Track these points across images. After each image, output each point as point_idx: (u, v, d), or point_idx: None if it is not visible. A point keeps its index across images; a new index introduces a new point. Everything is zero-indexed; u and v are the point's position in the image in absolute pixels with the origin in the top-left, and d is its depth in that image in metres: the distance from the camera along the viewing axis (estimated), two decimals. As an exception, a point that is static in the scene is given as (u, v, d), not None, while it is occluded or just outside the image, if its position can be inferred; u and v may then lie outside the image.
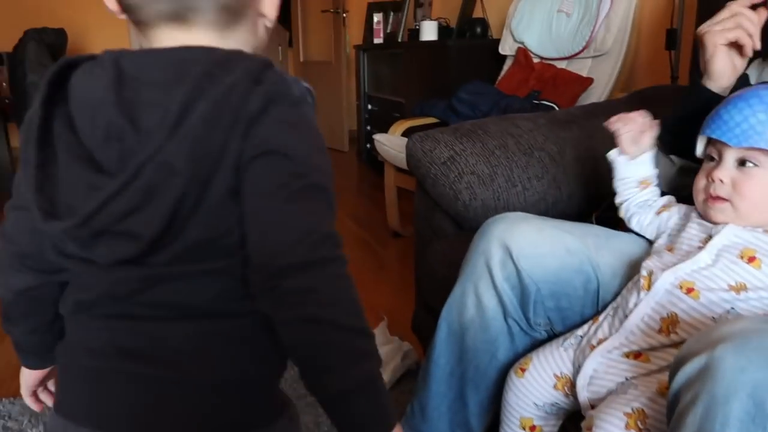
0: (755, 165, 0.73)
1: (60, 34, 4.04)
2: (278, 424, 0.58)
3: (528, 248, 0.81)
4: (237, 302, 0.52)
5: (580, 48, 2.27)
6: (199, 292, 0.51)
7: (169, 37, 0.52)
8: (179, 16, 0.51)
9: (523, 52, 2.47)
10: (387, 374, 1.43)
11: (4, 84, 3.48)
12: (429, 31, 3.27)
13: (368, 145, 4.27)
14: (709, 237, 0.75)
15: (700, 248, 0.74)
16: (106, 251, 0.50)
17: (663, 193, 0.88)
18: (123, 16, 0.53)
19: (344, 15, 4.62)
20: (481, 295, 0.84)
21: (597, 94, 2.17)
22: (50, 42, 3.85)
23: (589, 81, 2.19)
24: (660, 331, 0.71)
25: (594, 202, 1.25)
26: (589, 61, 2.27)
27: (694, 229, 0.77)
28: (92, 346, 0.53)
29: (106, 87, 0.49)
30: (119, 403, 0.52)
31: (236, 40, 0.55)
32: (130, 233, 0.48)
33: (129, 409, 0.52)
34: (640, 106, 1.41)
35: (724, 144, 0.74)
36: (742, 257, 0.71)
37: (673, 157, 0.96)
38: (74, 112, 0.51)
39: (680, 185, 0.93)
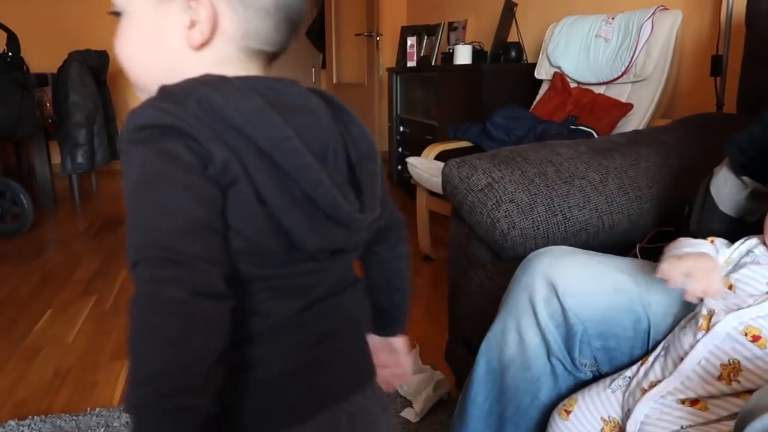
0: None
1: (102, 56, 4.16)
2: None
3: (574, 286, 0.77)
4: None
5: (619, 73, 2.22)
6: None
7: (249, 68, 0.57)
8: (278, 55, 0.59)
9: (559, 77, 2.44)
10: (418, 404, 1.39)
11: (48, 104, 3.58)
12: (463, 55, 3.27)
13: (399, 167, 4.27)
14: None
15: (767, 293, 0.69)
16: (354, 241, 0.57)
17: (730, 226, 0.83)
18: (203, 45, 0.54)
19: (378, 38, 4.66)
20: (523, 333, 0.81)
21: (637, 120, 2.12)
22: (93, 64, 3.97)
23: (628, 107, 2.14)
24: (720, 378, 0.66)
25: (637, 233, 1.21)
26: (628, 87, 2.23)
27: (759, 268, 0.72)
28: (321, 331, 0.55)
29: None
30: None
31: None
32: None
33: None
34: (687, 134, 1.37)
35: None
36: None
37: (745, 178, 0.89)
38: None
39: (750, 209, 0.87)
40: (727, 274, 0.74)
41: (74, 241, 2.99)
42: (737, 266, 0.74)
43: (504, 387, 0.83)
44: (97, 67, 4.02)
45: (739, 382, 0.65)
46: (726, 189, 0.86)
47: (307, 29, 6.09)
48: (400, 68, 4.24)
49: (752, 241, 0.76)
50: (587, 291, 0.77)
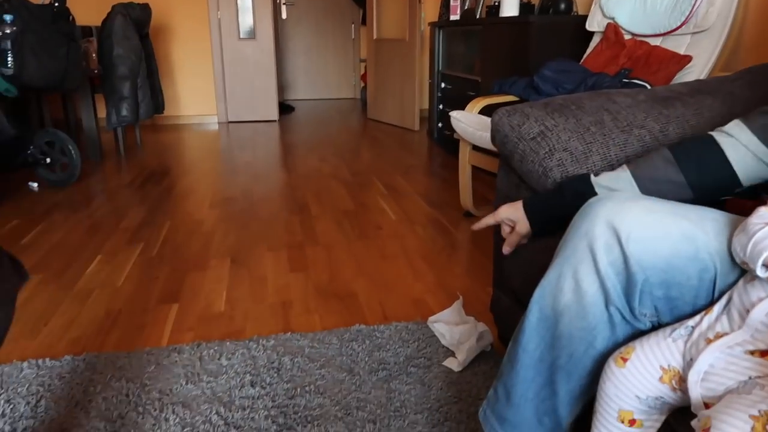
0: None
1: (145, 9, 4.17)
2: None
3: (638, 231, 0.74)
4: None
5: (678, 24, 2.11)
6: None
7: None
8: None
9: (613, 28, 2.33)
10: (461, 354, 1.39)
11: (93, 55, 3.62)
12: (510, 7, 3.15)
13: (440, 124, 4.20)
14: None
15: None
16: None
17: None
18: None
19: (420, -9, 4.54)
20: (580, 280, 0.78)
21: (696, 73, 2.02)
22: (136, 17, 3.99)
23: (687, 59, 2.03)
24: (793, 328, 0.63)
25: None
26: (687, 38, 2.12)
27: None
28: None
29: None
30: None
31: None
32: None
33: None
34: (755, 84, 1.29)
35: None
36: None
37: None
38: None
39: None
40: None
41: (120, 192, 3.07)
42: None
43: (557, 335, 0.82)
44: (140, 20, 4.03)
45: (816, 332, 0.62)
46: None
47: (348, -17, 5.97)
48: (442, 22, 4.13)
49: None
50: (652, 237, 0.74)
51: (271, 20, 5.29)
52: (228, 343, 1.52)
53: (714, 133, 0.94)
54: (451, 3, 4.14)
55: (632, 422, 0.73)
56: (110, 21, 3.79)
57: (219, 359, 1.44)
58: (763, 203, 0.71)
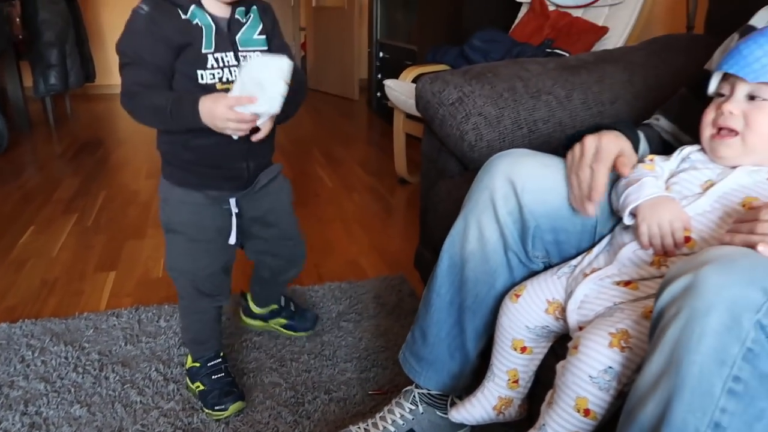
0: (765, 99, 0.74)
1: (71, -29, 3.98)
2: None
3: (531, 183, 0.84)
4: None
5: (597, -4, 2.23)
6: None
7: None
8: None
9: (538, 0, 2.43)
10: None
11: (17, 20, 3.46)
12: (444, -23, 3.20)
13: (378, 94, 4.25)
14: (711, 183, 0.76)
15: (700, 194, 0.75)
16: None
17: None
18: None
19: (358, -41, 4.52)
20: (483, 228, 0.88)
21: (612, 43, 2.15)
22: (61, -21, 3.80)
23: (604, 30, 2.16)
24: (652, 263, 0.74)
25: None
26: (605, 10, 2.24)
27: (696, 172, 0.78)
28: None
29: None
30: None
31: None
32: None
33: None
34: (653, 53, 1.42)
35: (738, 78, 0.74)
36: (743, 205, 0.71)
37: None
38: None
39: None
40: (666, 181, 0.81)
41: (52, 163, 2.99)
42: (676, 172, 0.81)
43: (464, 279, 0.91)
44: (65, -17, 3.86)
45: (667, 266, 0.73)
46: None
47: (285, -51, 5.86)
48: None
49: (688, 149, 0.82)
50: (543, 188, 0.84)
51: (206, -14, 5.15)
52: (166, 306, 1.56)
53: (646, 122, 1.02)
54: (389, -29, 4.15)
55: (524, 349, 0.84)
56: (33, -16, 3.61)
57: (158, 321, 1.49)
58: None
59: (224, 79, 0.99)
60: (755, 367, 0.51)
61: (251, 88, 0.91)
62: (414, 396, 1.02)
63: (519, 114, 1.21)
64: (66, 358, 1.34)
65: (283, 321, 1.42)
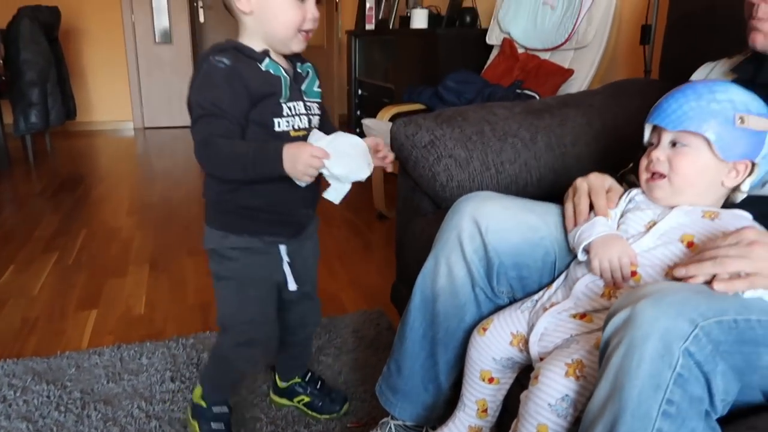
0: (685, 145, 0.83)
1: (53, 12, 4.06)
2: None
3: (494, 224, 0.91)
4: None
5: (563, 40, 2.35)
6: None
7: None
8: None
9: (508, 43, 2.55)
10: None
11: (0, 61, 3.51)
12: (419, 19, 3.34)
13: (358, 130, 4.35)
14: (654, 223, 0.84)
15: (644, 233, 0.83)
16: None
17: None
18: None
19: (337, 0, 4.67)
20: (452, 266, 0.94)
21: (577, 84, 2.27)
22: (44, 20, 3.88)
23: (570, 72, 2.28)
24: (603, 295, 0.81)
25: (562, 186, 1.35)
26: (571, 53, 2.37)
27: (640, 213, 0.86)
28: None
29: None
30: None
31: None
32: None
33: None
34: (610, 97, 1.52)
35: (662, 128, 0.84)
36: (682, 242, 0.80)
37: None
38: None
39: None
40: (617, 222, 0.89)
41: (32, 201, 3.00)
42: (624, 212, 0.89)
43: (435, 313, 0.97)
44: (48, 24, 3.93)
45: (617, 297, 0.80)
46: None
47: (266, -11, 6.03)
48: (359, 31, 4.28)
49: (634, 191, 0.91)
50: (505, 228, 0.91)
51: (188, 23, 5.27)
52: (148, 343, 1.58)
53: None
54: (366, 12, 4.30)
55: (491, 380, 0.90)
56: (16, 24, 3.68)
57: (140, 359, 1.51)
58: None
59: (296, 126, 1.03)
60: (685, 390, 0.58)
61: (338, 153, 0.95)
62: (390, 427, 1.06)
63: (487, 156, 1.29)
64: (48, 396, 1.36)
65: (306, 399, 1.32)
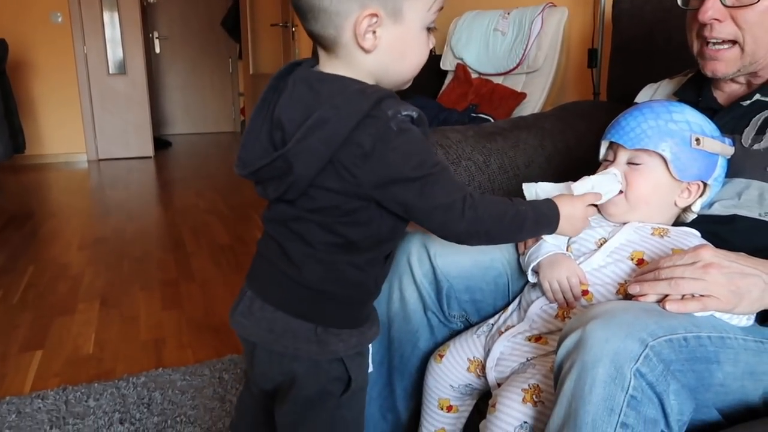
0: (641, 163, 0.83)
1: (1, 45, 3.95)
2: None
3: (443, 248, 0.89)
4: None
5: (515, 65, 2.40)
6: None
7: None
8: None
9: (462, 68, 2.59)
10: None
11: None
12: (375, 47, 3.37)
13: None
14: (604, 240, 0.84)
15: (594, 251, 0.83)
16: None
17: None
18: None
19: (293, 29, 4.68)
20: (404, 290, 0.92)
21: (530, 107, 2.30)
22: (-10, 52, 3.77)
23: (522, 96, 2.32)
24: (557, 316, 0.80)
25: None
26: (523, 77, 2.41)
27: (591, 231, 0.86)
28: None
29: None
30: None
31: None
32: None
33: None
34: (561, 119, 1.54)
35: (620, 146, 0.84)
36: (632, 259, 0.80)
37: None
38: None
39: None
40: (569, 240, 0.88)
41: (-24, 238, 2.87)
42: None
43: (390, 339, 0.94)
44: (-6, 56, 3.82)
45: (570, 317, 0.79)
46: None
47: (223, 19, 6.01)
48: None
49: None
50: (454, 251, 0.89)
51: (142, 55, 5.20)
52: (96, 384, 1.50)
53: None
54: (323, 41, 4.32)
55: (450, 408, 0.88)
56: (-40, 57, 3.56)
57: (86, 401, 1.43)
58: None
59: None
60: (639, 412, 0.56)
61: (603, 191, 0.83)
62: (349, 461, 1.02)
63: (440, 179, 1.28)
64: (-16, 447, 1.27)
65: None
